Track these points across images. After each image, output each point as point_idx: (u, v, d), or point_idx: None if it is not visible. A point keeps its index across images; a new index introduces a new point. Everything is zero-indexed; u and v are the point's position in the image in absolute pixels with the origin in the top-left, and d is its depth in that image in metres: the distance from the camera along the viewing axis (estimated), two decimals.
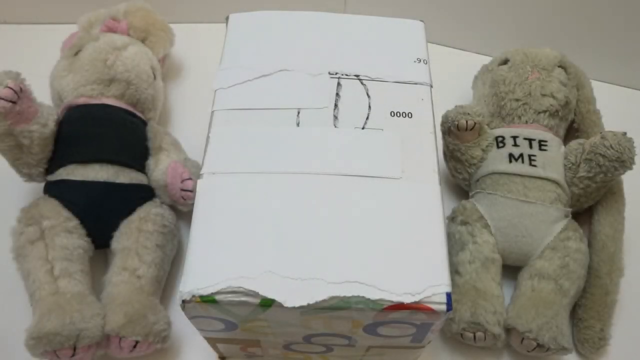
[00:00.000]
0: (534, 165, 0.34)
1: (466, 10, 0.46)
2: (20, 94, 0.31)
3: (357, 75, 0.28)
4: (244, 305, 0.22)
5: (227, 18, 0.31)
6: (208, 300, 0.22)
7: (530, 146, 0.35)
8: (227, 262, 0.23)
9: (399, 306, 0.22)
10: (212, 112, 0.27)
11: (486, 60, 0.45)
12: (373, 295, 0.22)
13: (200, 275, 0.22)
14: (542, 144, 0.35)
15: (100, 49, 0.37)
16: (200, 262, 0.23)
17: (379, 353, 0.28)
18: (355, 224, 0.23)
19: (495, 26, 0.46)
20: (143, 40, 0.41)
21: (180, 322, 0.33)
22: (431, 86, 0.28)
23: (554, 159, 0.35)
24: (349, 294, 0.22)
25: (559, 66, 0.38)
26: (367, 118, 0.27)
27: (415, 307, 0.22)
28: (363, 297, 0.22)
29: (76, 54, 0.38)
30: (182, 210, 0.36)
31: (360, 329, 0.24)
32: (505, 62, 0.40)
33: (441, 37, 0.47)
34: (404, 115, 0.27)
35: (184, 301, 0.22)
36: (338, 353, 0.29)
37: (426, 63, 0.29)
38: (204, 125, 0.27)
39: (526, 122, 0.37)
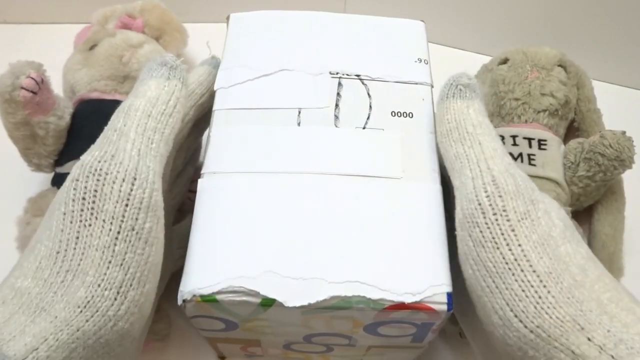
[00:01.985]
0: (533, 165, 0.34)
1: (466, 10, 0.46)
2: (41, 85, 0.31)
3: (358, 75, 0.28)
4: (245, 305, 0.22)
5: (227, 17, 0.31)
6: (209, 299, 0.22)
7: (530, 145, 0.35)
8: (227, 261, 0.23)
9: (400, 306, 0.22)
10: (213, 111, 0.27)
11: (486, 60, 0.45)
12: (374, 295, 0.22)
13: (200, 274, 0.22)
14: (541, 143, 0.35)
15: (116, 45, 0.37)
16: (201, 262, 0.23)
17: (379, 353, 0.28)
18: (355, 224, 0.23)
19: (495, 26, 0.46)
20: (157, 39, 0.41)
21: (180, 321, 0.33)
22: (432, 86, 0.28)
23: (553, 158, 0.35)
24: (349, 294, 0.22)
25: (558, 65, 0.38)
26: (368, 118, 0.27)
27: (416, 307, 0.22)
28: (364, 296, 0.22)
29: (91, 48, 0.38)
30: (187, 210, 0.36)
31: (361, 329, 0.24)
32: (504, 61, 0.39)
33: (441, 37, 0.47)
34: (404, 115, 0.27)
35: (184, 301, 0.22)
36: (338, 353, 0.29)
37: (427, 63, 0.29)
38: None
39: (526, 121, 0.37)
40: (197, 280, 0.22)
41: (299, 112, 0.27)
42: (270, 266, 0.22)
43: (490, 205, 0.21)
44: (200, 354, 0.33)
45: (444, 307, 0.22)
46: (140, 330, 0.23)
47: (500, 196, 0.21)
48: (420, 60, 0.29)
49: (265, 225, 0.23)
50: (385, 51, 0.29)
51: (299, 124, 0.26)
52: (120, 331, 0.21)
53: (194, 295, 0.22)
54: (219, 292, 0.22)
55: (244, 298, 0.22)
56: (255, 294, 0.22)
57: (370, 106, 0.27)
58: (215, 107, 0.27)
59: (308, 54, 0.29)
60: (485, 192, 0.21)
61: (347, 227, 0.23)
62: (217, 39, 0.31)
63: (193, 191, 0.34)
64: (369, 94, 0.27)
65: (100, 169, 0.21)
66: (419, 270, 0.23)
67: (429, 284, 0.22)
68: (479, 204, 0.21)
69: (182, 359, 0.33)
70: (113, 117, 0.24)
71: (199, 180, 0.25)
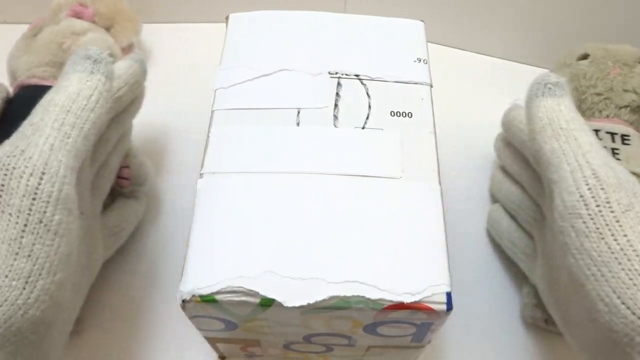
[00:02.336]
0: (618, 159, 0.34)
1: (466, 10, 0.46)
2: None
3: (357, 75, 0.28)
4: (244, 305, 0.22)
5: (227, 18, 0.31)
6: (208, 300, 0.22)
7: (613, 140, 0.35)
8: (227, 261, 0.23)
9: (399, 306, 0.22)
10: (212, 111, 0.27)
11: (486, 60, 0.45)
12: (373, 295, 0.22)
13: (200, 275, 0.22)
14: (624, 139, 0.35)
15: (58, 32, 0.37)
16: (200, 262, 0.23)
17: (379, 353, 0.28)
18: (355, 224, 0.23)
19: (495, 26, 0.46)
20: (108, 28, 0.41)
21: (180, 322, 0.33)
22: (431, 86, 0.28)
23: (636, 154, 0.34)
24: (348, 294, 0.22)
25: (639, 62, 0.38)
26: (367, 118, 0.27)
27: (415, 307, 0.22)
28: (363, 296, 0.22)
29: (36, 35, 0.38)
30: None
31: (360, 329, 0.24)
32: (584, 57, 0.39)
33: (441, 37, 0.47)
34: (404, 115, 0.27)
35: (184, 301, 0.22)
36: (338, 353, 0.29)
37: (426, 63, 0.29)
38: (204, 125, 0.27)
39: (607, 116, 0.37)
40: (196, 280, 0.22)
41: (298, 112, 0.27)
42: (270, 266, 0.22)
43: (593, 197, 0.22)
44: (200, 354, 0.33)
45: (443, 307, 0.22)
46: (59, 319, 0.23)
47: (602, 188, 0.22)
48: (420, 60, 0.29)
49: (264, 225, 0.23)
50: (384, 51, 0.29)
51: (298, 124, 0.26)
52: (32, 319, 0.21)
53: (194, 296, 0.22)
54: (218, 292, 0.22)
55: (243, 298, 0.22)
56: (255, 294, 0.22)
57: (370, 106, 0.27)
58: (214, 107, 0.27)
59: (307, 54, 0.29)
60: (587, 184, 0.22)
61: (346, 227, 0.23)
62: (217, 39, 0.31)
63: (123, 178, 0.34)
64: (368, 94, 0.27)
65: (8, 164, 0.22)
66: (418, 270, 0.23)
67: (428, 283, 0.22)
68: (581, 196, 0.22)
69: (182, 359, 0.33)
70: (32, 112, 0.24)
71: (199, 180, 0.25)
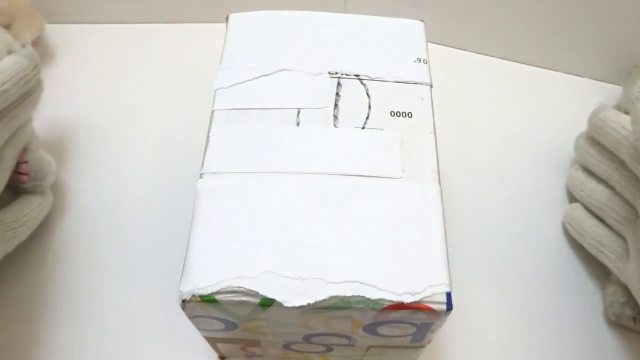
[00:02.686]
0: None
1: (466, 10, 0.46)
2: None
3: (357, 75, 0.28)
4: (244, 305, 0.22)
5: (227, 18, 0.31)
6: (208, 300, 0.22)
7: None
8: (227, 261, 0.23)
9: (399, 306, 0.22)
10: (212, 111, 0.27)
11: (486, 60, 0.45)
12: (373, 295, 0.22)
13: (200, 275, 0.22)
14: None
15: None
16: (200, 262, 0.23)
17: (379, 353, 0.28)
18: (355, 224, 0.24)
19: (495, 26, 0.46)
20: (8, 26, 0.41)
21: (180, 322, 0.33)
22: (431, 86, 0.28)
23: None
24: (348, 294, 0.22)
25: None
26: (367, 118, 0.27)
27: (415, 307, 0.22)
28: (363, 296, 0.22)
29: None
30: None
31: (360, 329, 0.24)
32: None
33: (441, 37, 0.47)
34: (404, 115, 0.27)
35: (184, 301, 0.22)
36: (338, 353, 0.29)
37: (426, 63, 0.29)
38: (204, 125, 0.27)
39: None
40: (196, 280, 0.22)
41: (298, 112, 0.27)
42: (270, 266, 0.22)
43: None
44: (200, 354, 0.33)
45: (443, 307, 0.22)
46: None
47: None
48: (420, 60, 0.29)
49: (264, 225, 0.23)
50: (384, 51, 0.29)
51: (298, 124, 0.26)
52: None
53: (193, 296, 0.22)
54: (218, 292, 0.22)
55: (243, 298, 0.22)
56: (255, 294, 0.22)
57: (370, 106, 0.27)
58: (214, 107, 0.27)
59: (307, 54, 0.29)
60: None
61: (346, 227, 0.23)
62: (217, 39, 0.31)
63: (21, 173, 0.33)
64: (368, 94, 0.27)
65: None
66: (418, 270, 0.23)
67: (428, 283, 0.22)
68: None
69: (182, 359, 0.33)
70: None
71: (199, 180, 0.25)
